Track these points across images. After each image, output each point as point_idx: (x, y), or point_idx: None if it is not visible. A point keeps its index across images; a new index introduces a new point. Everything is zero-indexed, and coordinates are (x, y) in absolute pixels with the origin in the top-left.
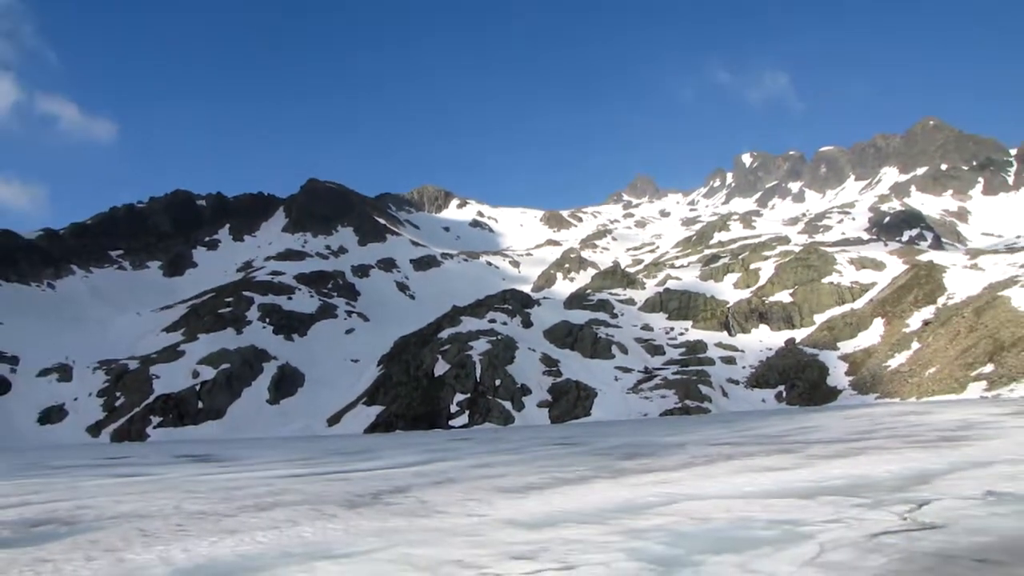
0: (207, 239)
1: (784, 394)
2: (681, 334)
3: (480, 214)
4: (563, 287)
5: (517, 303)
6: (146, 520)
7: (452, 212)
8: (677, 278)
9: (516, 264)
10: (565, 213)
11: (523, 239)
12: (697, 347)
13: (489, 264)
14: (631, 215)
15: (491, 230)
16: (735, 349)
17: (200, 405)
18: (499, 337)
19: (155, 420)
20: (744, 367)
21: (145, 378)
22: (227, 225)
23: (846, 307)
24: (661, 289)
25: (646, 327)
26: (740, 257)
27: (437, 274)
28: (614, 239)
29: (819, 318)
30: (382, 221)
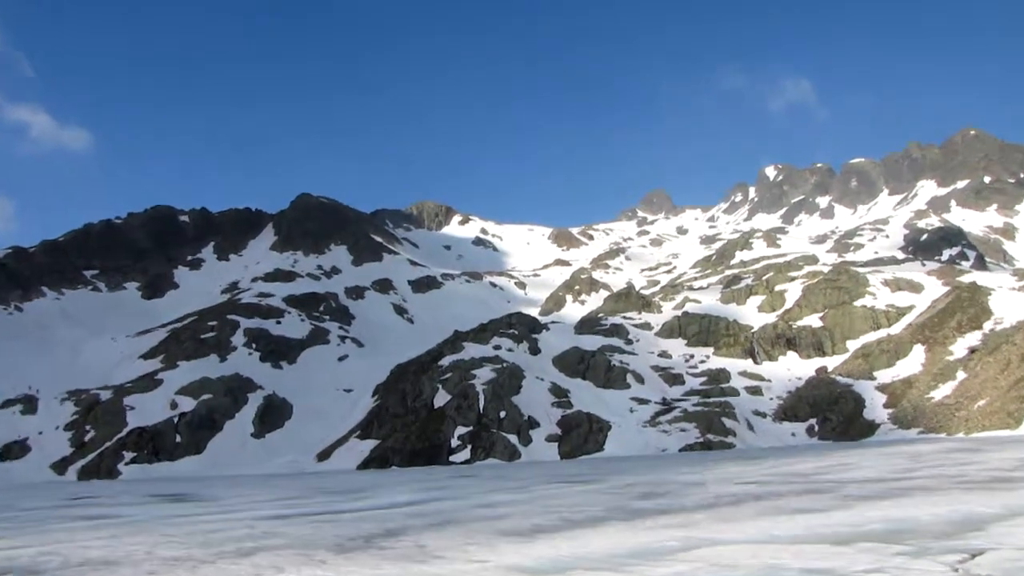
0: (189, 258)
1: (816, 428)
2: (702, 362)
3: (484, 231)
4: (574, 311)
5: (524, 328)
6: (115, 568)
7: (454, 229)
8: (696, 301)
9: (522, 285)
10: (575, 231)
11: (530, 258)
12: (720, 376)
13: (493, 285)
14: (646, 232)
15: (495, 248)
16: (761, 378)
17: (178, 439)
18: (504, 365)
19: (128, 456)
20: (771, 398)
21: (118, 410)
22: (211, 243)
23: (882, 332)
24: (679, 313)
25: (664, 354)
26: (764, 278)
27: (437, 296)
28: (628, 259)
29: (852, 344)
30: (378, 239)
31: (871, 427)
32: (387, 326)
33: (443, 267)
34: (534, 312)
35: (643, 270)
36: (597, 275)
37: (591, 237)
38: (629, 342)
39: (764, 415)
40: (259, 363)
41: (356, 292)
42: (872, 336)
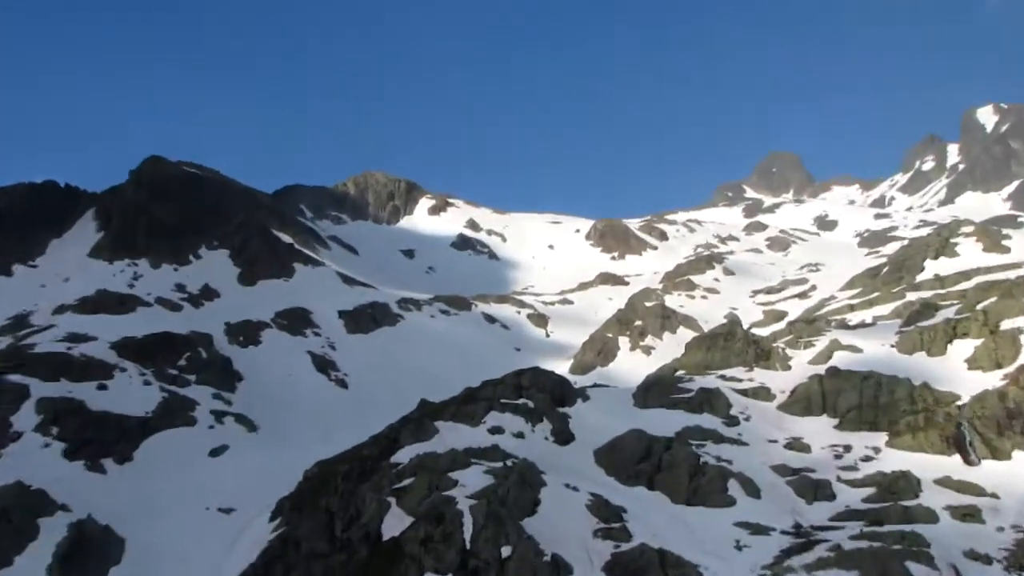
0: None
1: None
2: (867, 459)
3: (473, 225)
4: (631, 364)
5: (544, 396)
6: None
7: (421, 220)
8: (855, 349)
9: (542, 320)
10: (634, 224)
11: (555, 272)
12: (901, 486)
13: (490, 320)
14: (760, 226)
15: (494, 255)
16: (979, 491)
17: None
18: (509, 463)
19: None
20: (1000, 528)
21: None
22: None
23: None
24: (823, 370)
25: (795, 444)
26: (982, 307)
27: (390, 338)
28: (729, 272)
29: None
30: (286, 238)
31: None
32: (299, 393)
33: (401, 286)
34: (562, 368)
35: (756, 292)
36: (674, 302)
37: (663, 235)
38: (733, 422)
39: (989, 560)
40: (65, 462)
41: (245, 332)
42: None
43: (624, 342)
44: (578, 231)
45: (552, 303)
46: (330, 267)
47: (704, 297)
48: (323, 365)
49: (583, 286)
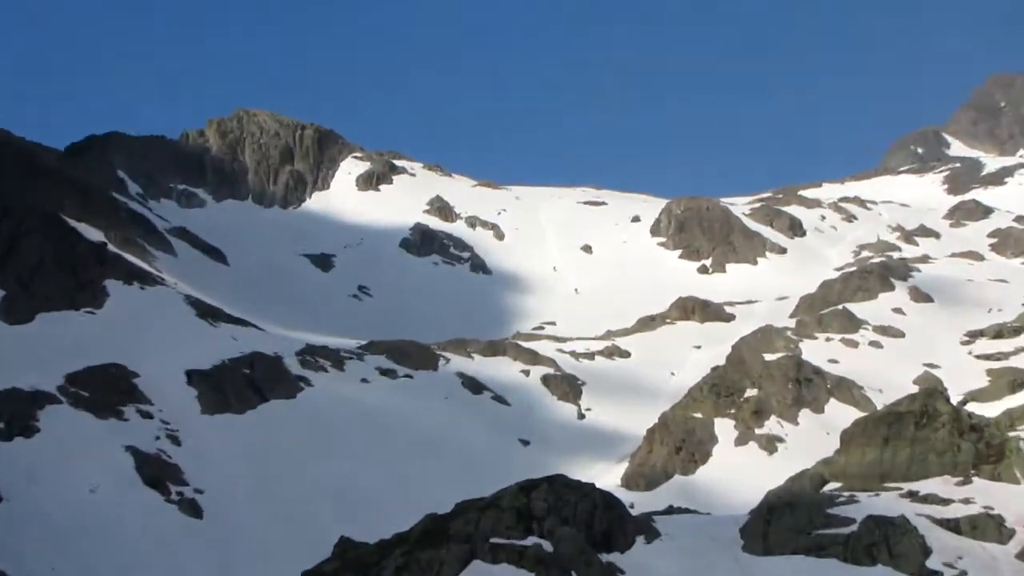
0: None
1: None
2: None
3: (443, 208)
4: (736, 470)
5: (572, 531)
6: None
7: (344, 198)
8: None
9: (570, 388)
10: (740, 205)
11: (593, 295)
12: None
13: (473, 386)
14: (975, 210)
15: (479, 263)
16: None
17: None
18: None
19: None
20: None
21: None
22: None
23: None
24: None
25: None
26: None
27: (282, 422)
28: (919, 295)
29: None
30: (92, 232)
31: None
32: (109, 529)
33: (307, 322)
34: (609, 477)
35: (972, 335)
36: (818, 352)
37: (794, 227)
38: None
39: None
40: None
41: (7, 412)
42: None
43: (724, 428)
44: (636, 219)
45: (589, 355)
46: (173, 287)
47: (875, 344)
48: (157, 473)
49: (646, 323)
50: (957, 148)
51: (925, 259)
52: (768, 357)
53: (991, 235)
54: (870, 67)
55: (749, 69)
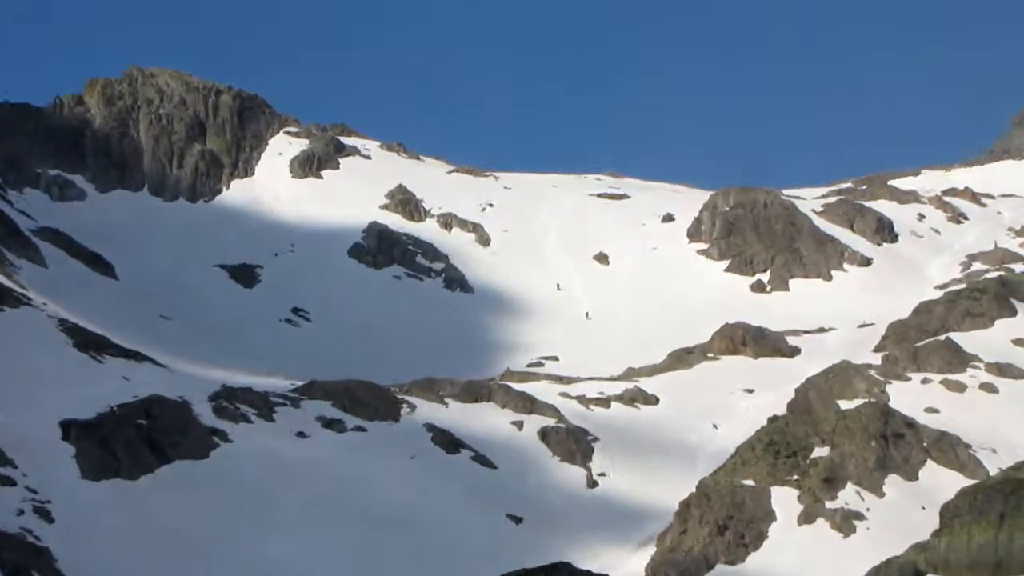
0: None
1: None
2: None
3: (405, 202)
4: (801, 554)
5: None
6: None
7: (273, 185)
8: None
9: (576, 442)
10: (808, 199)
11: (610, 321)
12: None
13: (448, 442)
14: None
15: (455, 276)
16: None
17: None
18: None
19: None
20: None
21: None
22: None
23: None
24: None
25: None
26: None
27: (189, 489)
28: None
29: None
30: None
31: None
32: None
33: (223, 357)
34: (631, 565)
35: None
36: (910, 398)
37: (881, 228)
38: None
39: None
40: None
41: None
42: None
43: (785, 500)
44: (668, 218)
45: (603, 401)
46: (42, 308)
47: (988, 387)
48: (19, 560)
49: (681, 358)
50: None
51: None
52: (844, 405)
53: None
54: (983, 22)
55: (816, 27)
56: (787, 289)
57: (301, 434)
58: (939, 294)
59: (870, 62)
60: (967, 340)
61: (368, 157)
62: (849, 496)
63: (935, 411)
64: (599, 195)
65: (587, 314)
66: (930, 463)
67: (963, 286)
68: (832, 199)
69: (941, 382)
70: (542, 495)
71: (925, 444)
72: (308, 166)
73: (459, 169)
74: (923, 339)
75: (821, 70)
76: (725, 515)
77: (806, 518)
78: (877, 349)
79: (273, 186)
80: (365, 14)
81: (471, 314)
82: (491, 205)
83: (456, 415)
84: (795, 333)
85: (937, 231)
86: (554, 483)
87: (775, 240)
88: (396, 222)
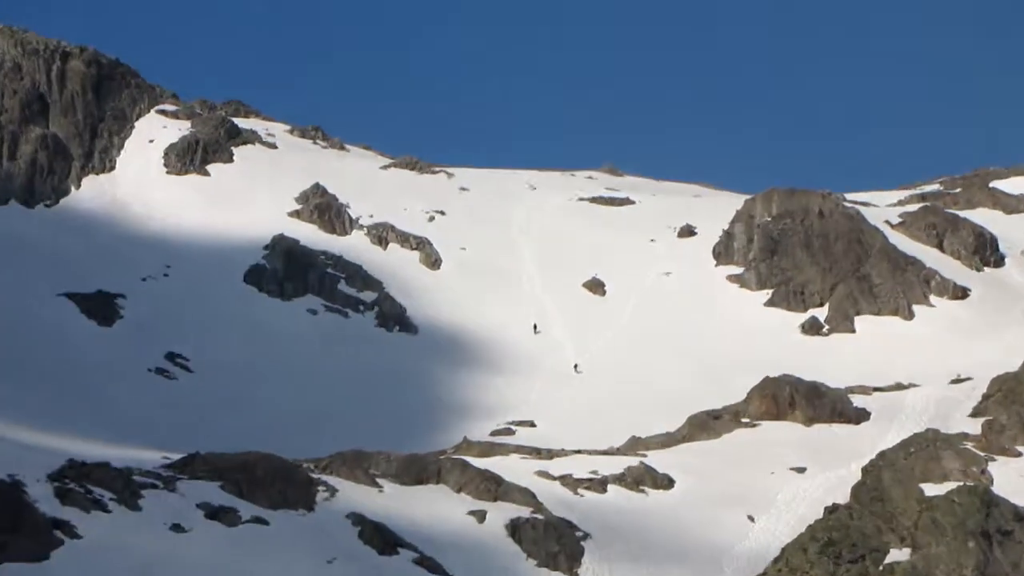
0: None
1: None
2: None
3: (325, 207)
4: None
5: None
6: None
7: (154, 193)
8: None
9: (560, 543)
10: (875, 207)
11: (607, 369)
12: None
13: (385, 544)
14: None
15: (402, 319)
16: None
17: None
18: None
19: None
20: None
21: None
22: None
23: None
24: None
25: None
26: None
27: None
28: None
29: None
30: None
31: None
32: None
33: (70, 421)
34: None
35: None
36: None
37: (978, 246)
38: None
39: None
40: None
41: None
42: None
43: None
44: (688, 231)
45: (597, 483)
46: None
47: None
48: None
49: (704, 425)
50: None
51: None
52: (931, 490)
53: None
54: None
55: None
56: (852, 330)
57: (177, 527)
58: None
59: (952, 22)
60: None
61: (273, 146)
62: None
63: None
64: (592, 199)
65: (576, 366)
66: None
67: None
68: (914, 206)
69: None
70: None
71: None
72: (190, 158)
73: (397, 163)
74: None
75: (903, 39)
76: None
77: None
78: (976, 413)
79: (141, 185)
80: None
81: (415, 362)
82: (442, 213)
83: (393, 502)
84: (863, 391)
85: None
86: None
87: (835, 263)
88: (311, 235)
